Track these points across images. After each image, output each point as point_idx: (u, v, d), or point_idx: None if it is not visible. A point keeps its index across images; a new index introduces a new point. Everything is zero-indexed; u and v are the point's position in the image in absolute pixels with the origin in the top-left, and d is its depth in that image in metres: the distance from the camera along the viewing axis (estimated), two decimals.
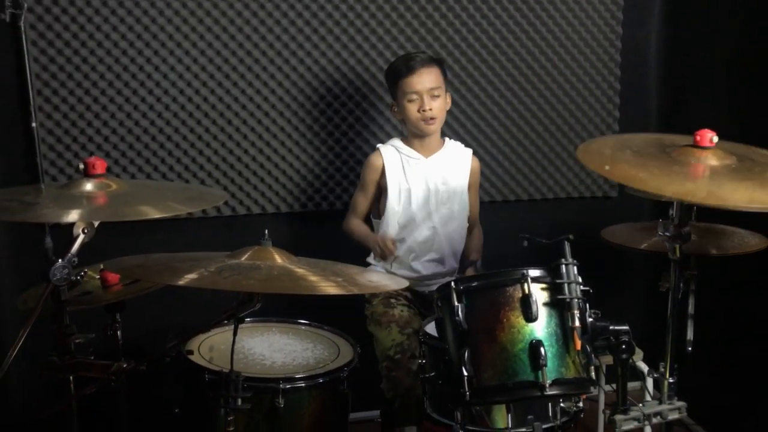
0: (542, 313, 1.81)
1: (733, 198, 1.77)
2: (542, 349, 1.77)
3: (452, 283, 1.87)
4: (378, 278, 2.20)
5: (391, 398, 2.45)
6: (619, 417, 2.00)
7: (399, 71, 2.60)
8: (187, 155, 2.82)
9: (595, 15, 3.08)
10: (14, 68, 2.60)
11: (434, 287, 2.03)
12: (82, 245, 1.71)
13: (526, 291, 1.81)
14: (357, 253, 2.66)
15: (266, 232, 1.87)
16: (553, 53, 3.08)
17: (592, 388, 1.87)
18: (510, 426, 1.90)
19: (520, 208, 3.20)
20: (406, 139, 2.70)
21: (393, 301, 2.62)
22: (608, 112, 3.19)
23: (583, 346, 1.80)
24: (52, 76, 2.64)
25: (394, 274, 2.66)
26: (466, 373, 1.80)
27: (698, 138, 1.91)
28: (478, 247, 2.81)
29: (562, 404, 2.02)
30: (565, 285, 1.81)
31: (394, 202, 2.65)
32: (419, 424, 2.38)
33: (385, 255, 2.59)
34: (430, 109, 2.57)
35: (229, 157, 2.86)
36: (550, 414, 2.01)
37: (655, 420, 2.10)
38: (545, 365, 1.76)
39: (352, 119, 2.94)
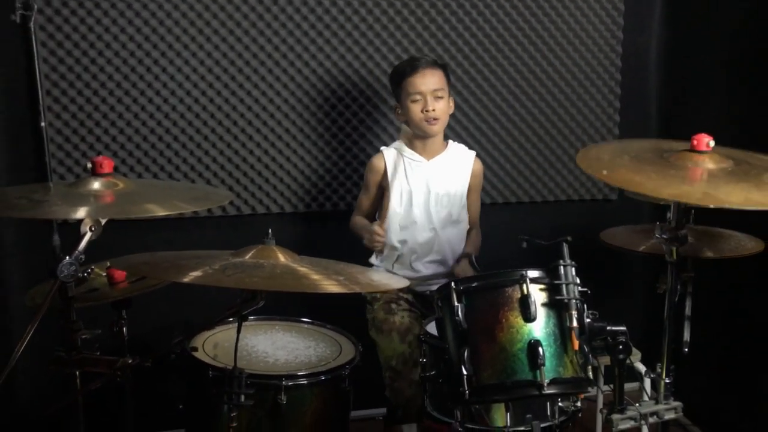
0: (541, 313, 1.82)
1: (728, 199, 1.79)
2: (540, 349, 1.78)
3: (452, 283, 1.88)
4: (379, 277, 2.22)
5: (394, 407, 2.48)
6: (615, 416, 2.02)
7: (403, 72, 2.62)
8: (193, 155, 2.85)
9: (596, 20, 3.11)
10: (24, 69, 2.62)
11: (435, 288, 2.06)
12: (90, 243, 1.72)
13: (525, 291, 1.82)
14: (360, 253, 2.69)
15: (270, 231, 1.89)
16: (554, 57, 3.10)
17: (589, 388, 1.88)
18: (509, 425, 1.92)
19: (521, 210, 3.21)
20: (409, 142, 2.72)
21: (394, 306, 2.62)
22: (609, 116, 3.21)
23: (580, 346, 1.81)
24: (61, 76, 2.67)
25: (396, 274, 2.67)
26: (465, 372, 1.81)
27: (695, 142, 1.94)
28: (476, 245, 2.77)
29: (560, 404, 2.03)
30: (563, 286, 1.82)
31: (395, 204, 2.67)
32: (420, 422, 2.41)
33: (373, 242, 2.58)
34: (434, 110, 2.58)
35: (235, 157, 2.88)
36: (549, 413, 2.02)
37: (651, 420, 2.13)
38: (543, 365, 1.77)
39: (356, 121, 2.96)
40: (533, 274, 1.85)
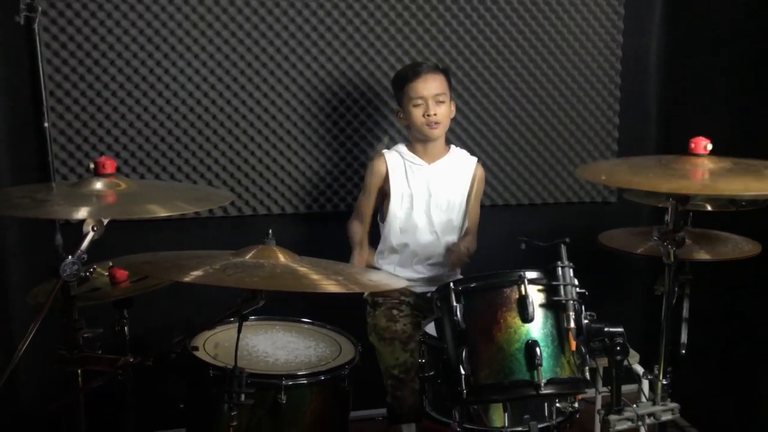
0: (538, 314, 1.83)
1: (728, 188, 1.80)
2: (538, 350, 1.79)
3: (451, 284, 1.90)
4: (379, 277, 2.22)
5: (398, 415, 2.49)
6: (613, 417, 2.03)
7: (405, 77, 2.64)
8: (195, 156, 2.86)
9: (596, 24, 3.12)
10: (28, 70, 2.64)
11: None
12: (92, 242, 1.72)
13: (523, 292, 1.83)
14: None
15: (270, 231, 1.90)
16: (554, 61, 3.11)
17: (586, 389, 1.89)
18: (507, 425, 1.93)
19: (521, 212, 3.22)
20: (411, 146, 2.72)
21: (396, 312, 2.63)
22: (608, 118, 3.22)
23: (578, 347, 1.83)
24: (65, 77, 2.68)
25: (397, 275, 2.66)
26: (463, 372, 1.82)
27: (693, 145, 1.95)
28: (471, 245, 2.68)
29: (558, 404, 2.03)
30: (561, 287, 1.84)
31: (396, 207, 2.67)
32: (419, 421, 2.42)
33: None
34: (435, 114, 2.59)
35: (236, 158, 2.89)
36: (546, 414, 2.03)
37: (648, 421, 2.13)
38: (541, 365, 1.78)
39: (357, 123, 2.98)
40: (531, 275, 1.86)
